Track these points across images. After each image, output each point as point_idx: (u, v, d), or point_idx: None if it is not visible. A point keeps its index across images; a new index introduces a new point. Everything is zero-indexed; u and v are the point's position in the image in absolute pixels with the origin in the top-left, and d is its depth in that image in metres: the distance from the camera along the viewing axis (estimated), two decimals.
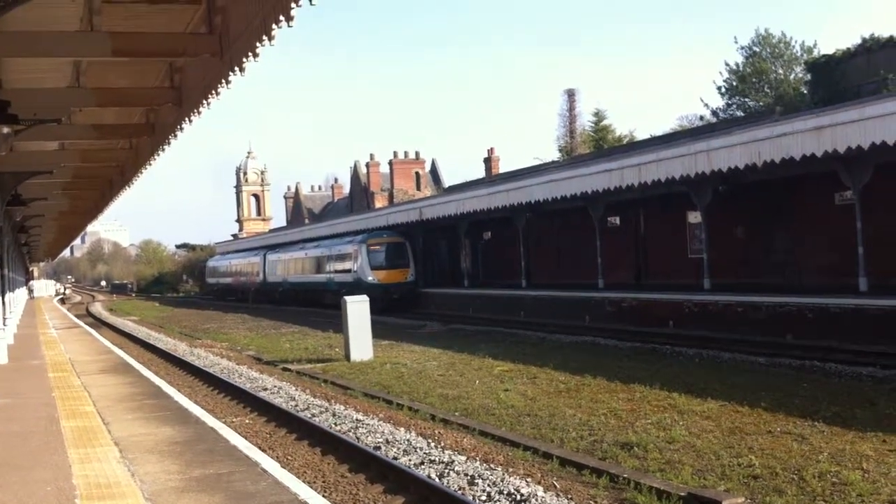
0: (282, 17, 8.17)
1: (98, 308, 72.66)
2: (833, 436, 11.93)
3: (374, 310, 38.54)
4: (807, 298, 23.05)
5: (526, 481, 10.29)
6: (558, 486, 10.19)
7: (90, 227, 73.60)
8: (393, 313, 39.46)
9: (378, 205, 69.31)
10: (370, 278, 44.54)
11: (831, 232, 25.81)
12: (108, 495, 7.87)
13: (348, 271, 46.94)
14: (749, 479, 10.12)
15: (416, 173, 75.67)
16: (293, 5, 7.86)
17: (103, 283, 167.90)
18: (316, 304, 50.36)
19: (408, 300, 44.25)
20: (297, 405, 16.75)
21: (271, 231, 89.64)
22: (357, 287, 41.44)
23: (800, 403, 14.17)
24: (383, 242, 46.24)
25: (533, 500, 9.47)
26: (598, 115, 64.77)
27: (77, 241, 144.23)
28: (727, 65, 52.34)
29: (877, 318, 20.67)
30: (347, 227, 54.01)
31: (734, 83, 51.71)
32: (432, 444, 12.56)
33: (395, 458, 11.78)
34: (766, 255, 28.79)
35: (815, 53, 47.57)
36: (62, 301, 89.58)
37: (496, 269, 44.66)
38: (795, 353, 19.93)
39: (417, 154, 76.65)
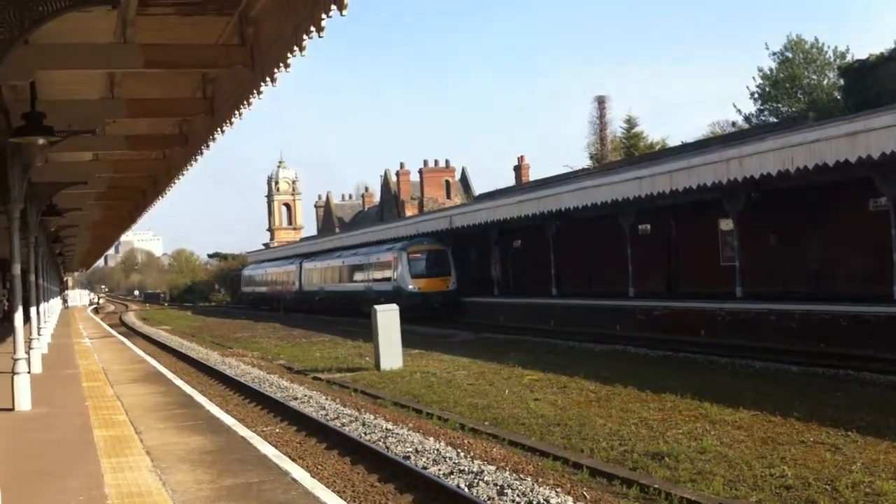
0: (312, 28, 8.25)
1: (131, 317, 73.31)
2: (867, 446, 11.77)
3: (415, 319, 38.50)
4: (840, 306, 22.81)
5: (556, 491, 10.24)
6: (588, 497, 10.13)
7: (123, 237, 74.51)
8: (434, 323, 39.13)
9: (408, 213, 69.47)
10: (410, 287, 43.53)
11: (865, 239, 25.52)
12: None
13: (388, 280, 45.82)
14: (781, 489, 10.01)
15: (447, 181, 75.76)
16: (324, 16, 7.92)
17: (136, 292, 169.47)
18: (353, 314, 48.53)
19: (449, 309, 43.22)
20: (327, 414, 16.78)
21: (303, 239, 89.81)
22: (397, 296, 40.89)
23: (833, 413, 14.00)
24: (424, 250, 45.04)
25: None
26: (630, 122, 64.54)
27: (111, 251, 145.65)
28: (760, 70, 51.94)
29: None
30: (378, 236, 54.18)
31: (767, 89, 51.29)
32: (462, 454, 12.53)
33: (425, 468, 11.76)
34: (799, 263, 28.51)
35: (849, 58, 47.11)
36: (96, 311, 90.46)
37: (526, 277, 44.51)
38: (829, 362, 19.71)
39: (447, 162, 76.79)
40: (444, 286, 43.69)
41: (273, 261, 77.71)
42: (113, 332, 42.57)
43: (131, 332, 51.40)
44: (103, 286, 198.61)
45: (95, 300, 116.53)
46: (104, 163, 19.17)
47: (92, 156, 18.57)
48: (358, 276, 51.23)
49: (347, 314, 48.94)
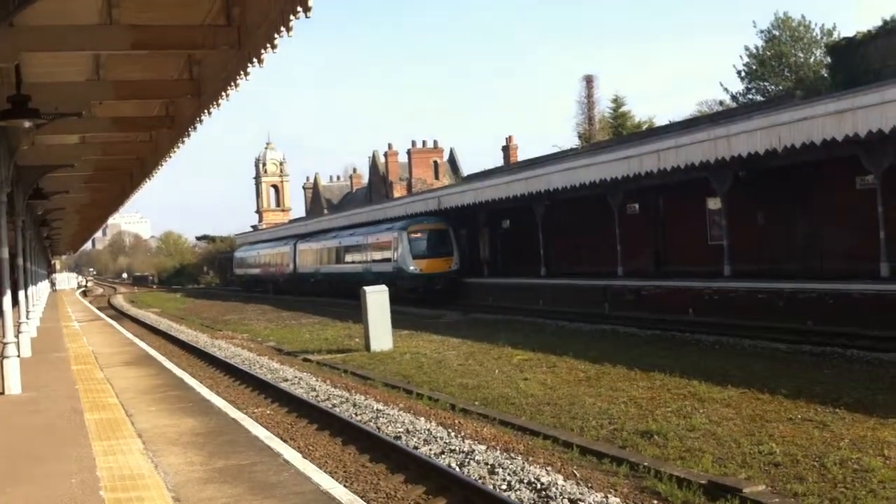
0: (299, 8, 8.20)
1: (120, 300, 73.25)
2: (854, 422, 11.87)
3: (416, 301, 38.45)
4: (828, 284, 22.90)
5: (546, 470, 10.32)
6: (578, 475, 10.20)
7: (111, 220, 74.16)
8: (424, 304, 38.65)
9: (397, 194, 69.35)
10: (412, 268, 41.99)
11: (852, 217, 25.60)
12: (131, 487, 7.95)
13: (388, 261, 44.03)
14: (770, 466, 10.10)
15: (435, 162, 75.64)
16: None
17: (125, 275, 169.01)
18: (350, 296, 47.54)
19: (451, 291, 41.70)
20: (317, 396, 16.83)
21: (292, 221, 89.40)
22: (397, 277, 40.52)
23: (821, 390, 14.10)
24: (425, 229, 43.17)
25: (553, 489, 9.49)
26: (617, 102, 64.51)
27: (98, 234, 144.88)
28: (747, 49, 51.98)
29: None
30: (377, 216, 51.97)
31: (754, 67, 51.33)
32: (452, 434, 12.60)
33: (416, 448, 11.83)
34: (786, 241, 28.59)
35: (835, 36, 47.16)
36: (84, 294, 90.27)
37: (515, 257, 44.46)
38: (816, 340, 19.82)
39: (436, 143, 76.63)
40: (446, 267, 42.14)
41: (266, 242, 75.81)
42: (102, 315, 42.51)
43: (120, 314, 51.36)
44: (91, 269, 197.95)
45: (84, 283, 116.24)
46: (91, 145, 19.06)
47: (78, 138, 18.45)
48: (356, 256, 49.75)
49: (344, 296, 46.88)
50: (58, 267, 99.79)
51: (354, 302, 28.35)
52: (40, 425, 11.18)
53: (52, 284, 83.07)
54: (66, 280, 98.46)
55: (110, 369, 17.39)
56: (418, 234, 42.92)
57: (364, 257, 47.98)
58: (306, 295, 56.07)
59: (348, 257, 51.02)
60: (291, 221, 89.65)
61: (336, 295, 50.33)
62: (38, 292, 42.49)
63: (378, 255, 45.73)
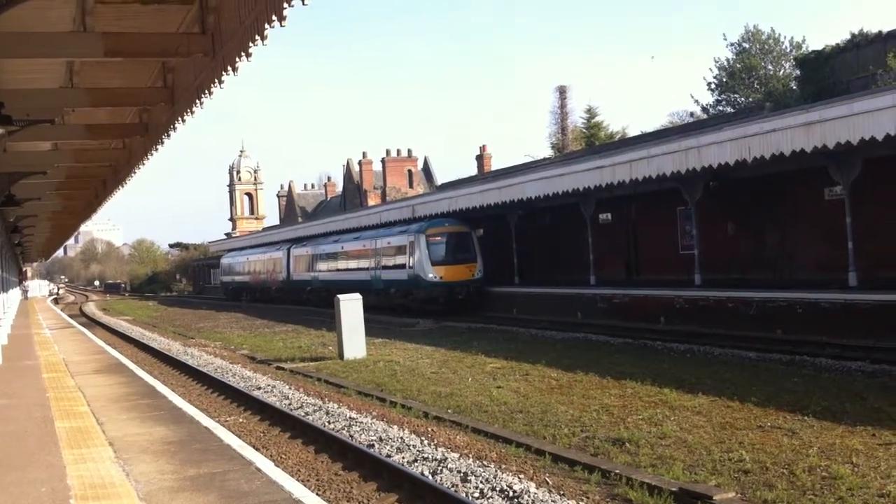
0: (274, 17, 8.21)
1: (91, 308, 72.60)
2: (823, 430, 12.02)
3: (435, 312, 35.65)
4: (797, 293, 23.15)
5: (518, 478, 10.37)
6: (550, 483, 10.26)
7: (83, 227, 73.43)
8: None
9: (371, 202, 69.32)
10: (431, 276, 37.50)
11: (821, 227, 25.92)
12: (102, 495, 7.92)
13: (401, 267, 39.64)
14: (740, 473, 10.21)
15: (409, 171, 75.73)
16: (286, 5, 7.88)
17: (97, 282, 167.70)
18: None
19: (473, 301, 37.73)
20: (290, 404, 16.80)
21: (265, 229, 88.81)
22: (414, 285, 37.97)
23: (790, 398, 14.27)
24: (445, 232, 38.71)
25: (525, 497, 9.55)
26: (590, 112, 64.88)
27: (70, 241, 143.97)
28: (717, 61, 52.57)
29: (866, 313, 20.78)
30: (384, 218, 47.17)
31: (724, 79, 51.88)
32: (425, 442, 12.63)
33: (389, 456, 11.85)
34: (756, 251, 28.89)
35: (804, 49, 47.79)
36: (56, 301, 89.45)
37: (488, 265, 44.55)
38: (786, 349, 20.03)
39: (410, 152, 76.70)
40: (469, 274, 37.74)
41: (256, 247, 70.30)
42: (73, 322, 42.16)
43: (92, 322, 50.93)
44: (63, 277, 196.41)
45: (55, 291, 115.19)
46: (63, 152, 18.95)
47: (51, 145, 18.35)
48: (361, 262, 44.84)
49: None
50: (29, 274, 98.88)
51: (328, 310, 27.94)
52: (10, 433, 11.09)
53: (24, 292, 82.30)
54: (38, 287, 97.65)
55: (81, 377, 17.27)
56: (438, 238, 38.48)
57: (372, 263, 43.30)
58: (302, 304, 52.16)
59: (352, 263, 46.41)
60: (266, 228, 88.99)
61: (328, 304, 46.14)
62: (10, 299, 42.07)
63: (390, 261, 41.35)
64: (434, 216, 40.65)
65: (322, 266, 51.08)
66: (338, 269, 48.56)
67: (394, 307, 39.77)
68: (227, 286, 76.06)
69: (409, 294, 38.91)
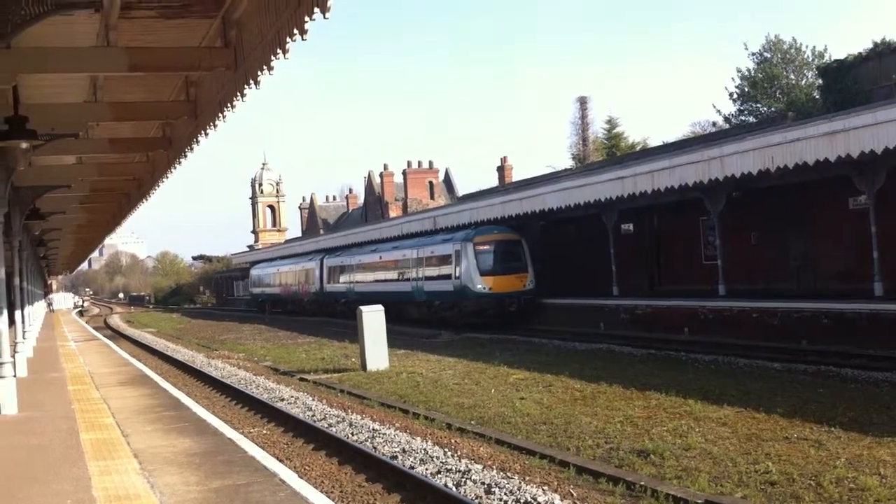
0: (296, 31, 8.26)
1: (116, 320, 73.05)
2: (850, 441, 11.90)
3: (484, 326, 33.55)
4: (822, 304, 22.99)
5: (542, 489, 10.31)
6: (575, 495, 10.20)
7: (108, 240, 73.91)
8: (504, 330, 33.08)
9: (392, 214, 69.45)
10: (479, 286, 35.18)
11: (846, 237, 25.75)
12: None
13: (447, 277, 37.21)
14: (766, 485, 10.11)
15: (430, 182, 75.80)
16: (307, 18, 7.93)
17: (121, 295, 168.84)
18: (394, 319, 36.20)
19: (525, 313, 35.48)
20: (314, 415, 16.81)
21: (289, 241, 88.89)
22: (461, 298, 35.91)
23: (816, 409, 14.14)
24: (494, 240, 36.40)
25: None
26: (611, 123, 64.76)
27: (95, 254, 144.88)
28: (739, 71, 52.30)
29: (893, 323, 20.59)
30: (425, 226, 45.28)
31: (746, 89, 51.60)
32: (449, 454, 12.59)
33: (413, 468, 11.81)
34: (780, 261, 28.73)
35: (826, 58, 47.46)
36: (80, 314, 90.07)
37: None
38: (811, 359, 19.88)
39: (431, 163, 76.82)
40: (520, 285, 35.34)
41: (286, 258, 67.84)
42: (98, 334, 42.38)
43: (116, 334, 51.22)
44: (87, 289, 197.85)
45: (80, 303, 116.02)
46: (88, 166, 19.10)
47: (75, 159, 18.49)
48: (402, 273, 42.24)
49: (388, 319, 37.92)
50: (54, 287, 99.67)
51: (344, 321, 27.67)
52: (36, 445, 11.15)
53: (49, 304, 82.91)
54: (63, 300, 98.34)
55: (106, 389, 17.34)
56: (486, 246, 36.16)
57: (414, 274, 40.75)
58: (335, 317, 49.40)
59: (392, 274, 43.86)
60: (291, 239, 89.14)
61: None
62: (35, 312, 42.39)
63: (433, 272, 38.82)
64: (479, 224, 38.78)
65: (358, 277, 48.76)
66: (375, 280, 46.23)
67: (437, 320, 37.81)
68: (256, 298, 74.24)
69: (455, 306, 36.88)
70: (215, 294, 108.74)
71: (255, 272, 75.59)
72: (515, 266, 35.66)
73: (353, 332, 27.73)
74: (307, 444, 14.50)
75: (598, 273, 34.90)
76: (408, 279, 41.29)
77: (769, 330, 24.00)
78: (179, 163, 16.79)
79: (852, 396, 15.28)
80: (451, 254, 37.08)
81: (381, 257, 45.88)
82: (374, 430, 14.80)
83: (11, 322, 18.81)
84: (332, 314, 51.04)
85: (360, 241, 53.40)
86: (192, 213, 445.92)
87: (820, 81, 44.27)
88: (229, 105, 11.50)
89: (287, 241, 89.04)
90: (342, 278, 51.47)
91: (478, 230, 37.43)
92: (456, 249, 36.70)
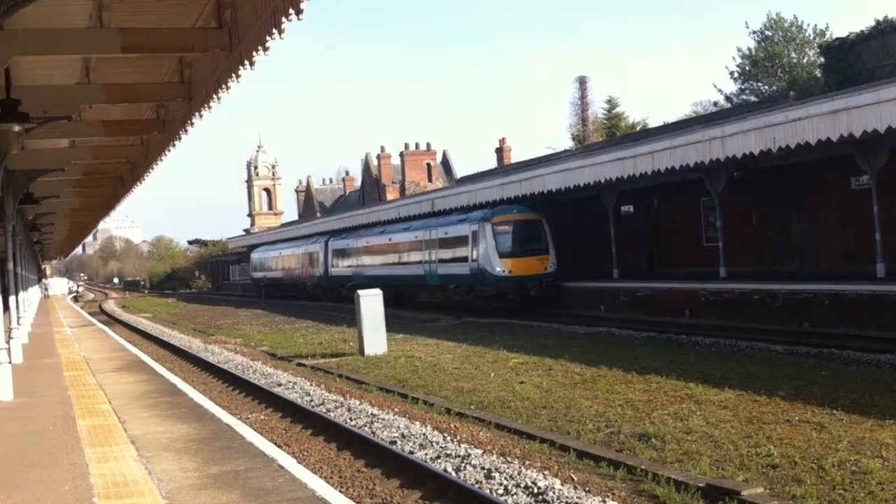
0: (291, 10, 8.13)
1: (111, 305, 72.99)
2: (852, 424, 11.82)
3: (503, 311, 32.12)
4: (823, 285, 22.87)
5: (543, 474, 10.23)
6: (575, 479, 10.12)
7: (101, 225, 73.70)
8: (521, 315, 31.61)
9: (390, 197, 69.29)
10: (498, 269, 33.40)
11: (848, 217, 25.61)
12: (125, 494, 7.84)
13: (462, 260, 35.45)
14: (768, 468, 10.04)
15: (428, 165, 75.58)
16: None
17: (116, 279, 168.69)
18: (404, 304, 38.42)
19: (545, 298, 33.66)
20: (312, 400, 16.73)
21: (283, 225, 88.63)
22: (478, 282, 34.41)
23: (818, 392, 14.06)
24: (513, 220, 34.53)
25: (550, 493, 9.41)
26: (611, 103, 64.47)
27: (89, 239, 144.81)
28: (739, 50, 52.10)
29: (895, 304, 20.49)
30: (442, 205, 42.13)
31: (747, 68, 51.43)
32: (448, 438, 12.51)
33: (412, 453, 11.74)
34: (782, 242, 28.59)
35: (828, 36, 47.29)
36: (75, 299, 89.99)
37: None
38: (813, 341, 19.79)
39: (429, 145, 76.56)
40: (541, 267, 33.59)
41: (289, 241, 65.74)
42: (93, 320, 42.33)
43: (112, 320, 51.15)
44: (82, 274, 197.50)
45: (75, 288, 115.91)
46: (81, 149, 18.97)
47: (69, 142, 18.36)
48: (413, 255, 40.31)
49: (397, 304, 36.18)
50: (48, 272, 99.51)
51: (349, 306, 27.48)
52: (32, 432, 11.05)
53: (45, 290, 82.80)
54: (58, 285, 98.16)
55: (102, 375, 17.25)
56: (505, 226, 34.26)
57: (426, 256, 38.77)
58: (340, 301, 45.91)
59: (402, 257, 41.96)
60: (287, 223, 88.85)
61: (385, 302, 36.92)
62: (30, 298, 42.28)
63: (447, 254, 37.00)
64: (497, 202, 36.57)
65: (366, 260, 46.99)
66: (385, 264, 44.08)
67: (452, 305, 36.61)
68: (258, 282, 72.43)
69: (472, 290, 35.36)
70: (211, 279, 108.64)
71: (255, 256, 74.03)
72: (536, 247, 34.08)
73: (351, 317, 27.66)
74: (305, 429, 14.42)
75: (596, 255, 34.77)
76: (420, 262, 39.53)
77: (771, 312, 23.90)
78: (174, 145, 16.67)
79: (854, 379, 15.20)
80: (468, 235, 35.26)
81: (390, 239, 43.95)
82: (372, 414, 14.72)
83: (6, 308, 18.70)
84: (336, 299, 48.96)
85: (365, 222, 51.66)
86: (187, 197, 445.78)
87: (822, 60, 44.11)
88: (224, 86, 11.37)
89: (283, 225, 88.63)
90: (348, 261, 49.97)
91: (495, 210, 35.48)
92: (473, 230, 34.95)
